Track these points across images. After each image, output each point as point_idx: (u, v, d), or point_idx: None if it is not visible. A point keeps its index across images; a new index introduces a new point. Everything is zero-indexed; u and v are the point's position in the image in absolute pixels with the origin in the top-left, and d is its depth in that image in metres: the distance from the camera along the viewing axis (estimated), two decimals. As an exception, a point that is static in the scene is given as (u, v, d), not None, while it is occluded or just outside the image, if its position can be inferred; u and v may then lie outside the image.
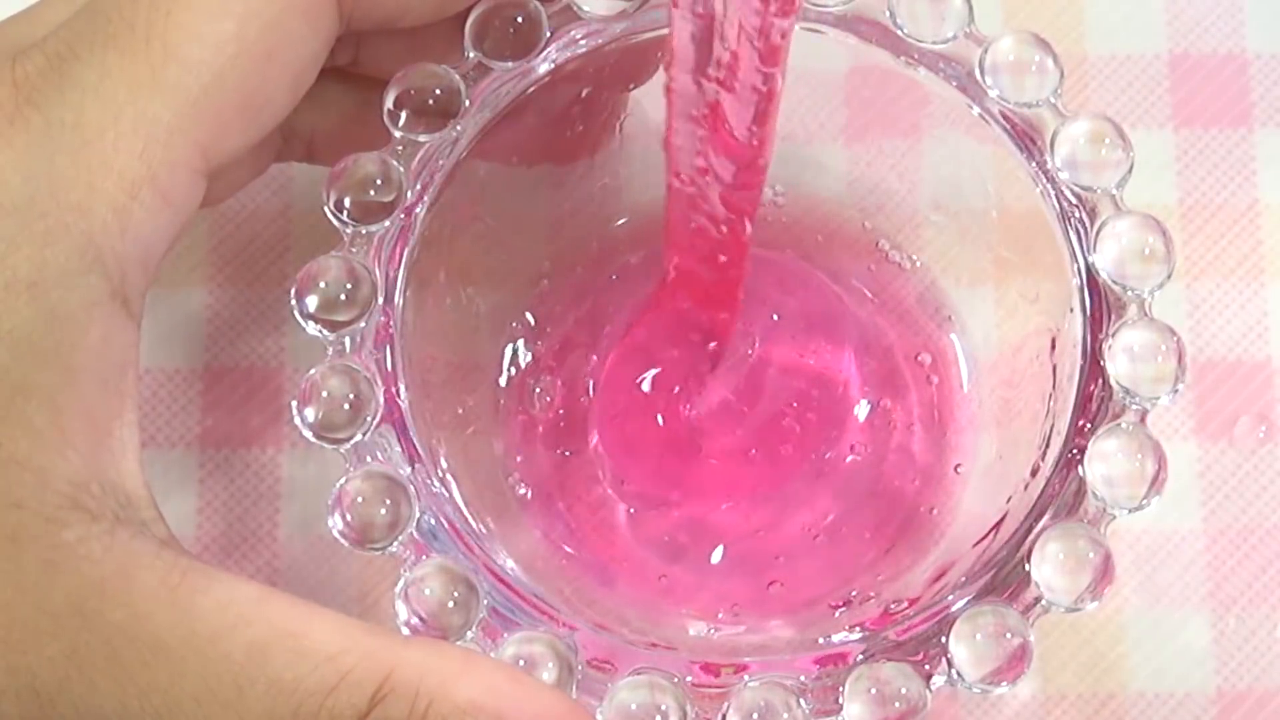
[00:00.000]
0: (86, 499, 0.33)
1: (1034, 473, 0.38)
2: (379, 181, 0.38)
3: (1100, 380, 0.37)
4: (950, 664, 0.35)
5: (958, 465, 0.44)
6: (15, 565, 0.33)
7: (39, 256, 0.33)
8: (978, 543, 0.39)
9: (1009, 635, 0.35)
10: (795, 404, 0.45)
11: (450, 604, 0.35)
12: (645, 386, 0.45)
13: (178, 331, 0.48)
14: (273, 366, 0.48)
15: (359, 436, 0.36)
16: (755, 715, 0.35)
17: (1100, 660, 0.45)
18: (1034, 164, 0.39)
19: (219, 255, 0.49)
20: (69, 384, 0.33)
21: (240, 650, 0.33)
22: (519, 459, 0.45)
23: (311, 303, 0.37)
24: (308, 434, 0.36)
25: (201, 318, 0.48)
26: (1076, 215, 0.39)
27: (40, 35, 0.35)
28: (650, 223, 0.44)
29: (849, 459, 0.45)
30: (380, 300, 0.37)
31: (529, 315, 0.45)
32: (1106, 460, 0.36)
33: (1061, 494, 0.37)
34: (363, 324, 0.37)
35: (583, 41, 0.40)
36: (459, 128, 0.39)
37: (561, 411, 0.45)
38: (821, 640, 0.37)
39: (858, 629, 0.38)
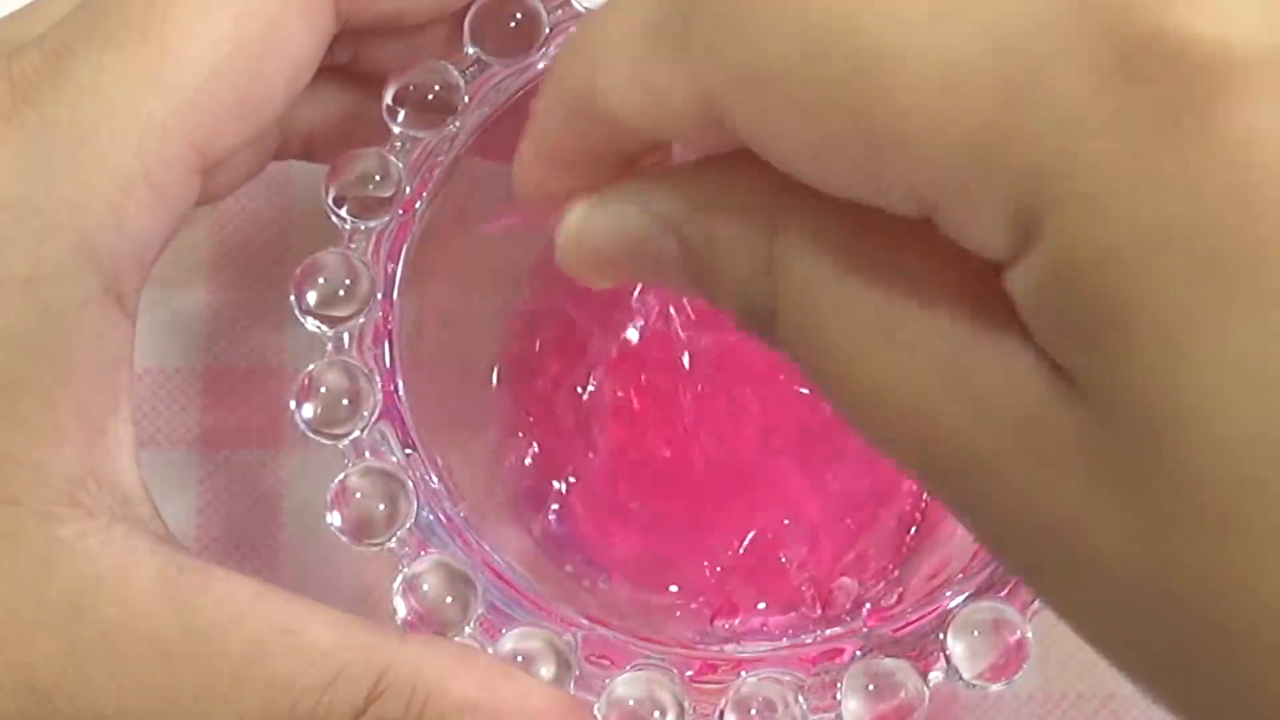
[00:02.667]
0: (83, 495, 0.33)
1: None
2: (378, 177, 0.38)
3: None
4: (948, 660, 0.35)
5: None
6: (11, 562, 0.33)
7: (34, 253, 0.33)
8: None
9: (1007, 631, 0.35)
10: (795, 404, 0.45)
11: (448, 600, 0.35)
12: (644, 387, 0.45)
13: (178, 331, 0.48)
14: (273, 366, 0.48)
15: (357, 432, 0.36)
16: (753, 711, 0.35)
17: (1100, 660, 0.45)
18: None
19: (219, 255, 0.49)
20: (64, 380, 0.33)
21: (237, 646, 0.33)
22: (518, 454, 0.44)
23: (311, 298, 0.37)
24: (306, 429, 0.36)
25: (201, 317, 0.48)
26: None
27: (37, 32, 0.35)
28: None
29: (845, 455, 0.45)
30: (379, 296, 0.37)
31: (528, 310, 0.45)
32: None
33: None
34: (362, 319, 0.37)
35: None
36: (458, 124, 0.39)
37: (560, 407, 0.45)
38: (819, 636, 0.37)
39: (855, 625, 0.38)
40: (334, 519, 0.36)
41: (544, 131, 0.29)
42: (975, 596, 0.36)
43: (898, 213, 0.24)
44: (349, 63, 0.41)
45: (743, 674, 0.35)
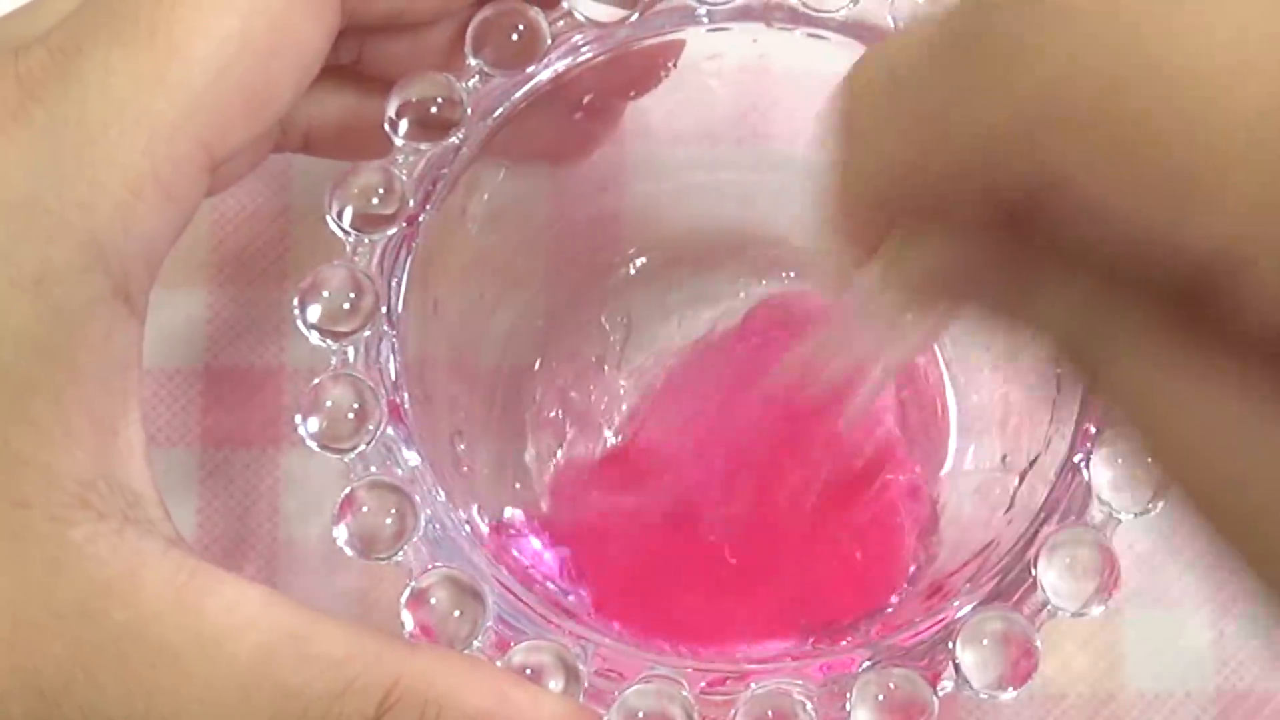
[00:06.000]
0: (94, 498, 0.33)
1: (1039, 477, 0.38)
2: (381, 191, 0.38)
3: (1105, 383, 0.37)
4: (957, 669, 0.35)
5: (960, 469, 0.44)
6: (21, 564, 0.32)
7: (43, 254, 0.33)
8: (983, 549, 0.39)
9: (1016, 640, 0.35)
10: (794, 416, 0.45)
11: (457, 613, 0.35)
12: (652, 402, 0.45)
13: (178, 331, 0.48)
14: (273, 366, 0.48)
15: (363, 446, 0.36)
16: (763, 722, 0.35)
17: (1100, 660, 0.46)
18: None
19: (219, 255, 0.49)
20: (73, 382, 0.33)
21: (246, 653, 0.33)
22: (525, 467, 0.44)
23: (314, 312, 0.37)
24: (312, 444, 0.36)
25: (201, 318, 0.48)
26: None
27: (43, 29, 0.35)
28: (653, 229, 0.44)
29: (848, 465, 0.45)
30: (384, 310, 0.37)
31: (533, 322, 0.45)
32: (1113, 465, 0.36)
33: (1067, 498, 0.37)
34: (366, 333, 0.37)
35: (585, 49, 0.40)
36: (460, 136, 0.39)
37: (568, 420, 0.45)
38: (827, 647, 0.37)
39: (863, 636, 0.38)
40: (340, 533, 0.36)
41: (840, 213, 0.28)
42: (983, 605, 0.36)
43: (1179, 271, 0.21)
44: (353, 63, 0.40)
45: (752, 685, 0.35)
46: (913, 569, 0.43)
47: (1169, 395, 0.23)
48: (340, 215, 0.38)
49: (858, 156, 0.27)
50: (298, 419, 0.36)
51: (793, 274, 0.47)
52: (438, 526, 0.36)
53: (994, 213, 0.24)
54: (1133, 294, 0.23)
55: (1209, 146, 0.20)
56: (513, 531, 0.43)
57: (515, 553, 0.42)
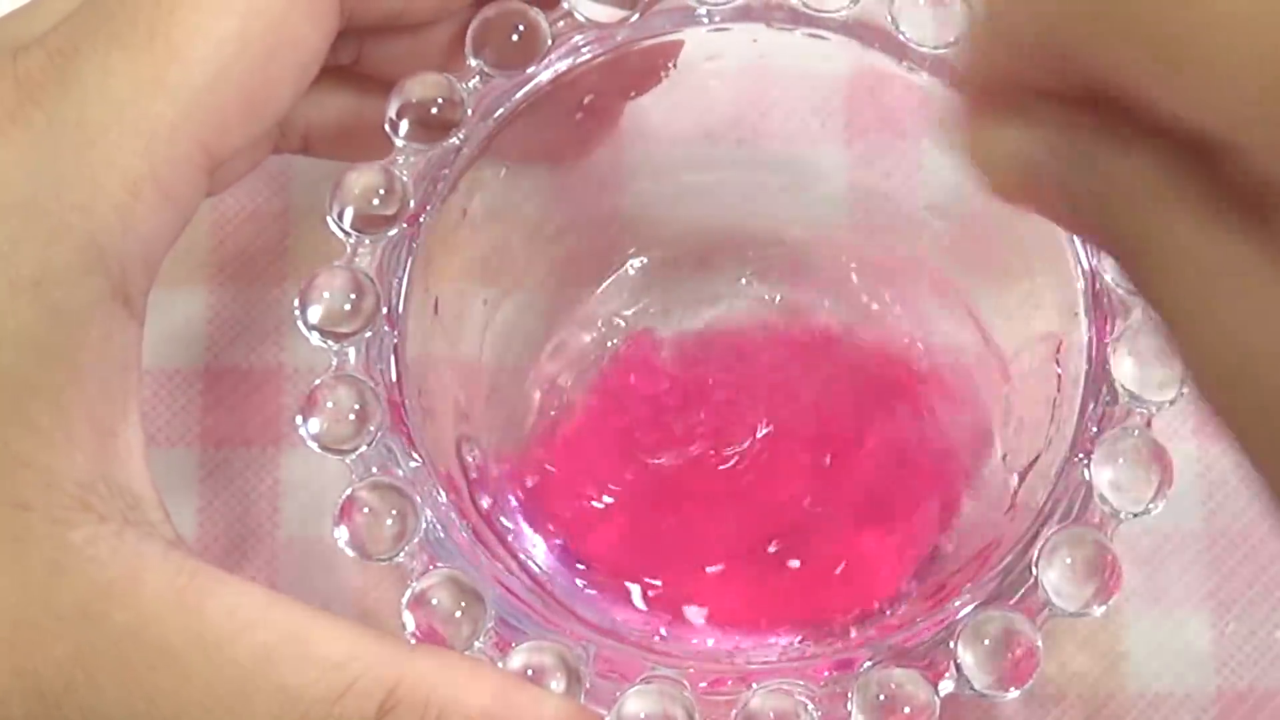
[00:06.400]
0: (94, 500, 0.33)
1: (1040, 477, 0.38)
2: (382, 192, 0.38)
3: (1106, 385, 0.37)
4: (958, 669, 0.35)
5: (962, 469, 0.44)
6: (21, 566, 0.32)
7: (42, 255, 0.33)
8: (984, 548, 0.39)
9: (1017, 640, 0.35)
10: (798, 413, 0.45)
11: (458, 614, 0.35)
12: (651, 397, 0.45)
13: (178, 331, 0.48)
14: (273, 366, 0.48)
15: (364, 447, 0.36)
16: (764, 723, 0.35)
17: (1100, 660, 0.46)
18: (1036, 167, 0.39)
19: (219, 255, 0.49)
20: (73, 383, 0.33)
21: (246, 655, 0.33)
22: (525, 467, 0.44)
23: (315, 314, 0.37)
24: (313, 445, 0.36)
25: (201, 318, 0.48)
26: (1080, 218, 0.39)
27: (41, 30, 0.35)
28: (653, 229, 0.44)
29: (852, 463, 0.45)
30: (384, 311, 0.37)
31: (533, 322, 0.45)
32: (1113, 465, 0.36)
33: (1068, 499, 0.37)
34: (367, 334, 0.37)
35: (585, 49, 0.40)
36: (461, 136, 0.39)
37: (567, 420, 0.45)
38: (829, 647, 0.37)
39: (865, 635, 0.38)
40: (341, 534, 0.36)
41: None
42: (984, 606, 0.36)
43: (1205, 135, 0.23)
44: (352, 64, 0.40)
45: (754, 686, 0.35)
46: (930, 550, 0.43)
47: (1199, 275, 0.24)
48: (341, 216, 0.38)
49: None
50: (298, 420, 0.36)
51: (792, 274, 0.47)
52: (439, 527, 0.36)
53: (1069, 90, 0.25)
54: (1171, 172, 0.24)
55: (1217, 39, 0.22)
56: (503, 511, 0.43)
57: (505, 521, 0.42)
